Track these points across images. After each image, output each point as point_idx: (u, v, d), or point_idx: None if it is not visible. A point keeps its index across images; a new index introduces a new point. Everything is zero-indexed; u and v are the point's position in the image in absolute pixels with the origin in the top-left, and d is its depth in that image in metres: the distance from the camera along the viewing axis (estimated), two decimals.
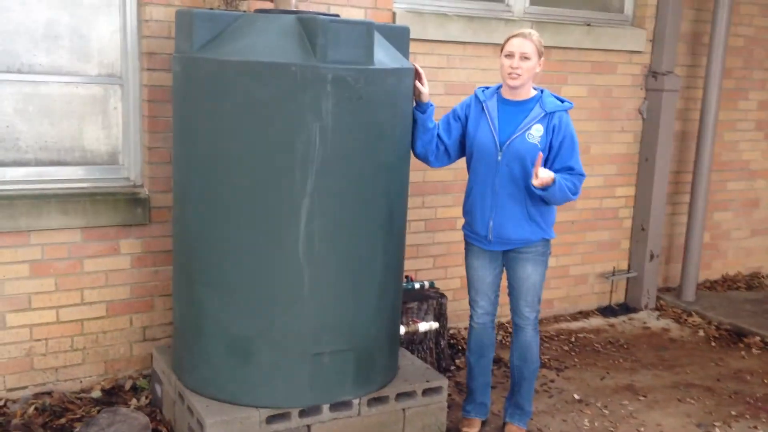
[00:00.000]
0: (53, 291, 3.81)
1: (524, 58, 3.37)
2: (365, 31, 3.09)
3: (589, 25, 5.19)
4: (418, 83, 3.49)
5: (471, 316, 3.74)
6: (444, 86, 4.70)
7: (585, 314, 5.52)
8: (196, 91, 3.21)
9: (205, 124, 3.19)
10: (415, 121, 3.53)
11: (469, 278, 3.69)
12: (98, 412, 3.63)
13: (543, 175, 3.30)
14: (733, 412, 4.11)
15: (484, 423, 3.86)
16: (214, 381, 3.31)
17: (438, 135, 3.58)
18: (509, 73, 3.40)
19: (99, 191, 3.88)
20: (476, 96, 3.57)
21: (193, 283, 3.34)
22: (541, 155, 3.33)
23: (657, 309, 5.69)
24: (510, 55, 3.40)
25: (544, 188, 3.34)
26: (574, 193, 3.43)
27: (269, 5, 3.64)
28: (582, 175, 3.48)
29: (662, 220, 5.65)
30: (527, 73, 3.38)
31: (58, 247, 3.79)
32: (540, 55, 3.42)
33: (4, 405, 3.73)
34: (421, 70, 3.51)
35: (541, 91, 3.53)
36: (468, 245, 3.66)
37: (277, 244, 3.15)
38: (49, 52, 3.76)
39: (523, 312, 3.62)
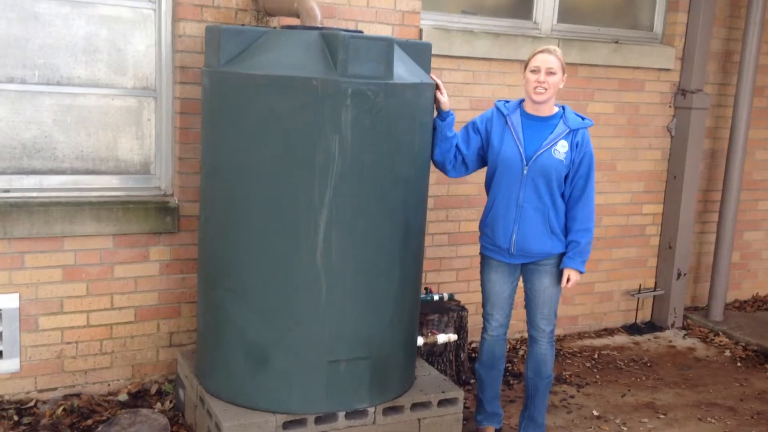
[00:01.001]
0: (84, 295, 3.95)
1: (550, 73, 3.43)
2: (385, 46, 3.18)
3: (617, 42, 5.21)
4: (437, 93, 3.58)
5: (484, 328, 3.77)
6: (469, 101, 4.77)
7: (610, 331, 5.50)
8: (222, 104, 3.33)
9: (230, 136, 3.31)
10: (435, 128, 3.62)
11: (485, 292, 3.72)
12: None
13: (574, 284, 3.58)
14: None
15: (498, 431, 3.89)
16: (232, 385, 3.40)
17: (456, 145, 3.65)
18: (535, 88, 3.45)
19: (131, 200, 4.02)
20: (498, 109, 3.61)
21: (214, 289, 3.44)
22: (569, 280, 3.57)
23: (684, 328, 5.64)
24: (536, 71, 3.45)
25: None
26: (589, 241, 3.57)
27: (297, 22, 3.75)
28: (587, 230, 3.56)
29: (690, 238, 5.61)
30: (553, 87, 3.45)
31: (91, 252, 3.93)
32: (564, 71, 3.49)
33: (35, 405, 3.87)
34: (439, 81, 3.61)
35: (563, 108, 3.59)
36: (485, 259, 3.69)
37: (295, 253, 3.23)
38: (88, 65, 3.93)
39: (539, 325, 3.65)
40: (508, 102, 3.66)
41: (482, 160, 3.69)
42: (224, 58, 3.30)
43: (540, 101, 3.48)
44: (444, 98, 3.60)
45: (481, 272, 3.72)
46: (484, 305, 3.74)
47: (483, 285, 3.72)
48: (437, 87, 3.59)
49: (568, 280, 3.56)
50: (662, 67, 5.34)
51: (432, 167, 3.68)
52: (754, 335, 5.39)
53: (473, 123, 3.69)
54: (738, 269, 6.02)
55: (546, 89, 3.44)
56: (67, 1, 3.82)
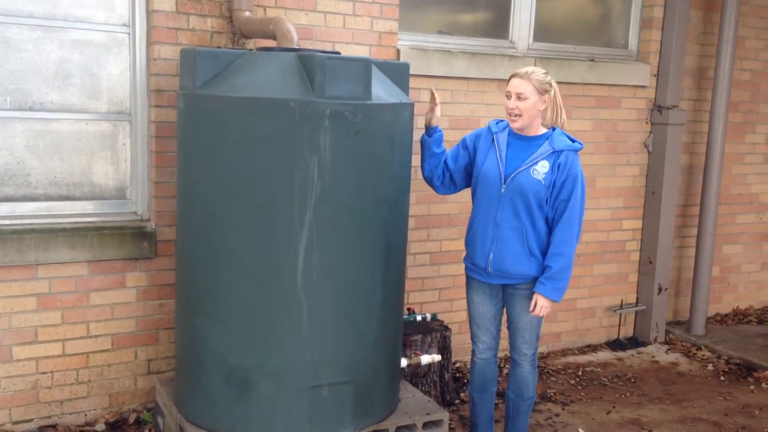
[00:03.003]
0: (59, 324, 3.87)
1: (521, 98, 3.38)
2: (362, 67, 3.16)
3: (593, 60, 5.24)
4: (434, 105, 3.64)
5: (473, 352, 3.73)
6: (448, 121, 4.76)
7: (593, 348, 5.48)
8: (198, 127, 3.29)
9: (206, 159, 3.26)
10: (423, 144, 3.60)
11: (470, 313, 3.69)
12: None
13: (541, 311, 3.44)
14: None
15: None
16: (212, 413, 3.33)
17: (445, 162, 3.64)
18: (509, 114, 3.43)
19: (106, 225, 3.95)
20: (489, 128, 3.60)
21: (192, 315, 3.38)
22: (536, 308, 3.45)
23: (666, 343, 5.65)
24: (508, 95, 3.43)
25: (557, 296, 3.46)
26: (563, 268, 3.41)
27: (274, 44, 3.73)
28: (560, 255, 3.41)
29: (670, 253, 5.64)
30: (527, 112, 3.38)
31: (65, 280, 3.85)
32: (543, 92, 3.41)
33: None
34: (435, 93, 3.62)
35: (553, 129, 3.52)
36: (469, 279, 3.67)
37: (275, 277, 3.19)
38: (60, 90, 3.87)
39: (520, 348, 3.62)
40: (501, 121, 3.61)
41: (470, 178, 3.65)
42: (200, 80, 3.27)
43: (517, 128, 3.44)
44: (437, 112, 3.63)
45: (466, 293, 3.70)
46: (470, 327, 3.72)
47: (468, 306, 3.70)
48: (433, 99, 3.61)
49: (535, 305, 3.44)
50: (638, 83, 5.39)
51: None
52: (737, 348, 5.41)
53: (464, 140, 3.67)
54: (718, 283, 6.05)
55: (519, 115, 3.38)
56: (38, 26, 3.77)
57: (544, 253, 3.47)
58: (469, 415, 4.27)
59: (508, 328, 3.66)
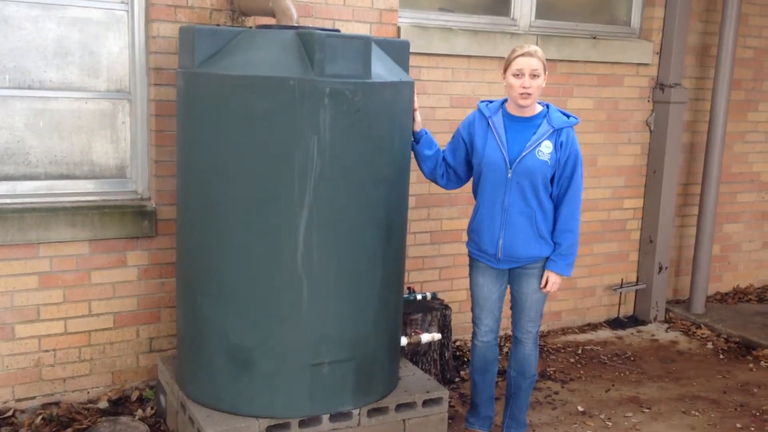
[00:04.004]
0: (61, 302, 3.88)
1: (534, 76, 3.33)
2: (362, 45, 3.14)
3: (595, 38, 5.21)
4: (413, 113, 3.54)
5: (474, 334, 3.72)
6: (449, 99, 4.74)
7: (593, 326, 5.50)
8: (197, 105, 3.28)
9: (206, 138, 3.25)
10: (413, 150, 3.61)
11: (473, 295, 3.67)
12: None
13: (553, 287, 3.51)
14: (738, 425, 4.08)
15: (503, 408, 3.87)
16: (214, 391, 3.35)
17: (444, 159, 3.62)
18: (521, 93, 3.35)
19: (107, 204, 3.95)
20: (480, 111, 3.53)
21: (194, 294, 3.39)
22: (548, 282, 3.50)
23: (666, 321, 5.67)
24: (519, 75, 3.34)
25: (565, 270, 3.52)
26: (573, 243, 3.49)
27: (273, 21, 3.70)
28: (570, 230, 3.48)
29: (671, 232, 5.63)
30: (537, 90, 3.36)
31: (66, 259, 3.86)
32: (546, 70, 3.39)
33: (13, 415, 3.80)
34: (416, 104, 3.55)
35: (547, 107, 3.50)
36: (473, 261, 3.64)
37: (276, 255, 3.19)
38: (59, 68, 3.85)
39: (525, 327, 3.62)
40: (491, 102, 3.57)
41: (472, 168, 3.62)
42: (198, 58, 3.25)
43: (526, 105, 3.40)
44: (418, 118, 3.57)
45: (470, 275, 3.67)
46: (473, 309, 3.70)
47: (471, 288, 3.67)
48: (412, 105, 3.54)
49: (547, 282, 3.49)
50: (640, 61, 5.35)
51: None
52: (736, 327, 5.42)
53: (458, 132, 3.62)
54: (719, 262, 6.05)
55: (531, 93, 3.34)
56: (36, 4, 3.74)
57: (551, 232, 3.48)
58: (469, 393, 4.31)
59: (512, 307, 3.66)
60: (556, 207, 3.48)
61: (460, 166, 3.61)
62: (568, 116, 3.49)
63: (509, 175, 3.40)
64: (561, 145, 3.40)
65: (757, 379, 4.69)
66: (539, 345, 3.82)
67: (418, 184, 4.59)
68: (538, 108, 3.49)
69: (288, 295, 3.23)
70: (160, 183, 4.00)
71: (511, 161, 3.40)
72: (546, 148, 3.39)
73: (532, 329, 3.63)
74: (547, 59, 3.54)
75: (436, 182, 3.71)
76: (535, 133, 3.41)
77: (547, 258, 3.49)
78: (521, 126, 3.44)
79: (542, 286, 3.50)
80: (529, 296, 3.55)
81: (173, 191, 3.92)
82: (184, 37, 3.38)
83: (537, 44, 4.90)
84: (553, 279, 3.48)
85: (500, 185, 3.42)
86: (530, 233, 3.44)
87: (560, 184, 3.45)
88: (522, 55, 3.35)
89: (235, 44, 3.25)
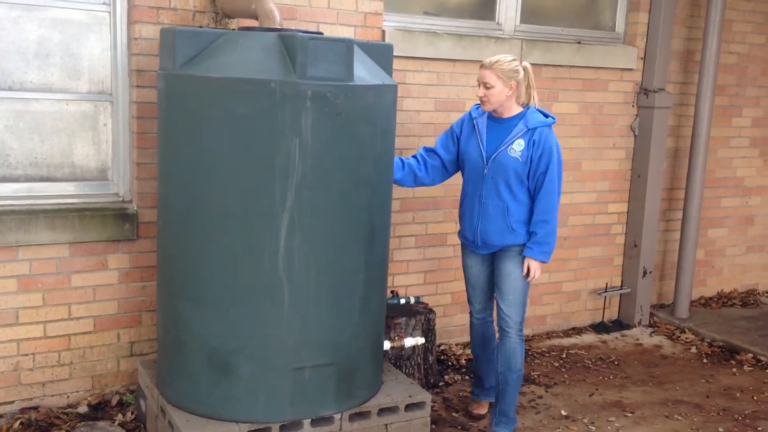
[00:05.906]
0: (41, 306, 3.84)
1: (487, 86, 3.60)
2: (344, 48, 3.13)
3: (580, 43, 5.22)
4: None
5: (470, 313, 4.02)
6: (434, 103, 4.74)
7: (578, 330, 5.50)
8: (178, 107, 3.26)
9: (187, 140, 3.23)
10: None
11: (465, 276, 3.97)
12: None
13: (535, 273, 3.68)
14: (721, 429, 4.09)
15: (492, 405, 4.03)
16: (194, 395, 3.32)
17: (434, 151, 3.91)
18: (479, 100, 3.69)
19: (88, 207, 3.91)
20: (470, 113, 3.85)
21: (174, 297, 3.36)
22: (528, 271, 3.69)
23: (650, 326, 5.67)
24: (478, 84, 3.67)
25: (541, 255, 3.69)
26: (549, 232, 3.66)
27: (256, 24, 3.68)
28: (544, 221, 3.64)
29: (655, 236, 5.65)
30: (494, 98, 3.61)
31: (46, 262, 3.82)
32: (508, 80, 3.59)
33: None
34: None
35: (527, 108, 3.71)
36: (462, 245, 3.97)
37: (257, 259, 3.17)
38: (40, 69, 3.82)
39: (505, 311, 3.77)
40: None
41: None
42: (180, 60, 3.22)
43: (485, 110, 3.71)
44: None
45: (462, 257, 3.97)
46: (466, 289, 3.99)
47: (463, 269, 3.97)
48: None
49: (528, 270, 3.68)
50: (625, 66, 5.37)
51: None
52: (720, 331, 5.44)
53: (452, 129, 3.91)
54: (703, 266, 6.07)
55: (486, 101, 3.63)
56: (17, 5, 3.71)
57: (526, 224, 3.71)
58: (453, 397, 4.32)
59: (495, 294, 3.84)
60: (533, 200, 3.69)
61: (452, 160, 3.89)
62: (546, 116, 3.72)
63: (485, 171, 3.69)
64: (534, 143, 3.63)
65: (740, 384, 4.70)
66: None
67: (402, 187, 4.58)
68: (518, 110, 3.69)
69: (269, 299, 3.20)
70: (141, 185, 3.96)
71: (487, 158, 3.70)
72: (518, 146, 3.63)
73: (512, 314, 3.76)
74: (532, 64, 3.74)
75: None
76: (511, 132, 3.66)
77: (524, 244, 3.69)
78: (501, 126, 3.71)
79: (524, 272, 3.69)
80: (506, 277, 3.74)
81: (155, 194, 3.89)
82: (164, 39, 3.36)
83: (522, 49, 4.91)
84: (533, 266, 3.67)
85: (479, 179, 3.73)
86: (503, 225, 3.69)
87: (536, 180, 3.65)
88: (481, 66, 3.65)
89: (216, 46, 3.23)
